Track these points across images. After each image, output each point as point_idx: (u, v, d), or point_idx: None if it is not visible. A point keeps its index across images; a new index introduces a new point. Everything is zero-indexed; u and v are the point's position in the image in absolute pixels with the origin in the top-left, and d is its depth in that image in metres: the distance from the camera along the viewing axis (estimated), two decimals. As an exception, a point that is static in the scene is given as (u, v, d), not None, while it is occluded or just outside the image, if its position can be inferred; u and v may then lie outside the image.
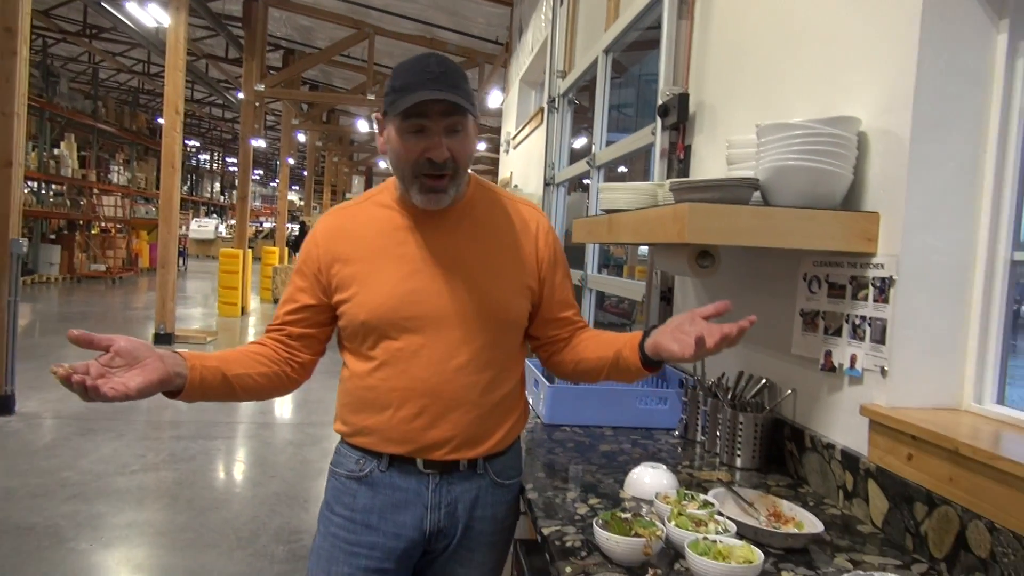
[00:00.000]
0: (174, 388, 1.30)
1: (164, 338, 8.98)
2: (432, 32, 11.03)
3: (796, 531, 1.31)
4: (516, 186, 6.82)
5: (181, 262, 21.25)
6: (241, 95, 12.76)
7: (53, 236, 17.43)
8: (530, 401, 2.34)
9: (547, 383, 2.15)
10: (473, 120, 1.40)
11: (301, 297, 1.50)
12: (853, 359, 1.54)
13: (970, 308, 1.45)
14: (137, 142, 21.94)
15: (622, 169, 5.51)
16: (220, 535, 3.69)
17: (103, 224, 19.58)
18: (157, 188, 9.48)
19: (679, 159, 2.59)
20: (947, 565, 1.24)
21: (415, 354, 1.43)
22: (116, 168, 20.44)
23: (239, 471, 4.82)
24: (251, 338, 10.18)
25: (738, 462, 1.80)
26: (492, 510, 1.53)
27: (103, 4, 10.33)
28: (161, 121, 9.26)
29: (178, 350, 1.32)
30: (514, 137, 7.41)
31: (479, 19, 9.99)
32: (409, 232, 1.47)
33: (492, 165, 8.59)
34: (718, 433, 1.88)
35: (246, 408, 6.33)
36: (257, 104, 12.94)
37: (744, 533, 1.29)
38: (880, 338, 1.47)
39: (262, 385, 1.45)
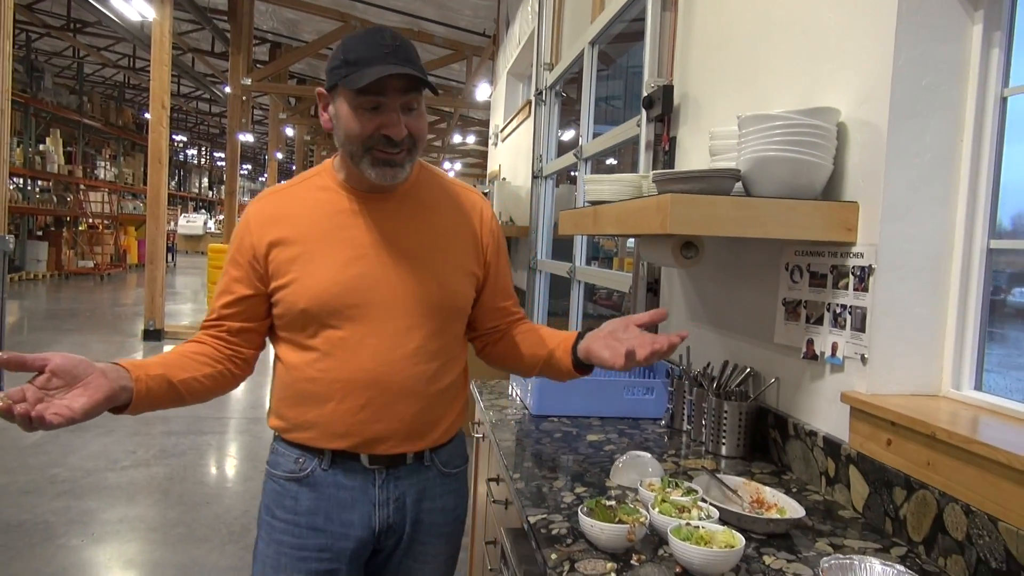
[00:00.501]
0: (120, 403, 1.19)
1: (154, 334, 8.96)
2: (418, 24, 11.00)
3: (778, 516, 1.33)
4: (504, 179, 6.83)
5: (170, 258, 21.15)
6: (228, 89, 12.70)
7: (40, 233, 17.32)
8: (518, 392, 2.35)
9: (534, 374, 2.17)
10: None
11: (237, 288, 1.41)
12: (834, 347, 1.57)
13: (948, 296, 1.47)
14: (124, 137, 21.80)
15: (611, 161, 5.53)
16: (212, 529, 3.70)
17: (90, 220, 19.46)
18: (144, 184, 9.43)
19: (664, 151, 2.60)
20: (925, 548, 1.26)
21: (360, 343, 1.37)
22: (103, 164, 20.30)
23: (230, 466, 4.82)
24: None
25: (723, 450, 1.82)
26: (441, 501, 1.50)
27: (87, -2, 10.23)
28: (148, 116, 9.20)
29: (118, 361, 1.21)
30: (502, 130, 7.41)
31: (466, 11, 9.97)
32: (353, 215, 1.40)
33: (481, 158, 8.59)
34: (703, 422, 1.90)
35: (236, 403, 6.33)
36: (244, 98, 12.88)
37: (727, 519, 1.31)
38: (860, 326, 1.49)
39: (208, 387, 1.38)
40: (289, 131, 19.75)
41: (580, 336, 1.40)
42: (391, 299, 1.38)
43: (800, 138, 1.52)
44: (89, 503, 3.94)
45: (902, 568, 1.10)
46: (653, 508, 1.28)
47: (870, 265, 1.47)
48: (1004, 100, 1.43)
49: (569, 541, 1.26)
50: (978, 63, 1.43)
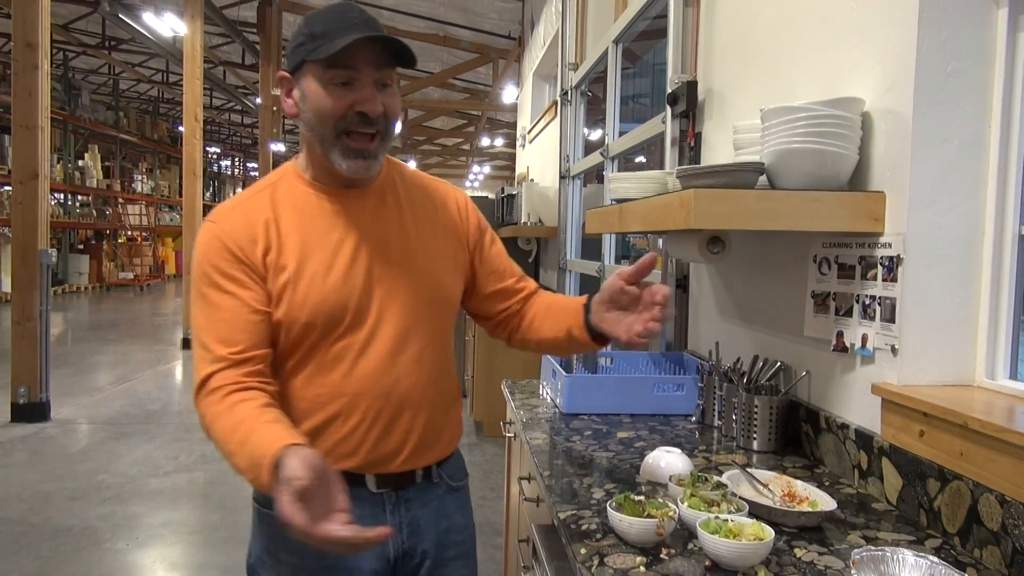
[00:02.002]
0: None
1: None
2: (445, 29, 11.07)
3: (809, 510, 1.33)
4: (533, 180, 6.84)
5: (206, 267, 21.48)
6: (259, 100, 12.89)
7: (81, 246, 17.75)
8: (548, 391, 2.37)
9: (564, 373, 2.18)
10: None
11: (252, 302, 1.22)
12: (864, 339, 1.55)
13: (979, 284, 1.45)
14: (159, 150, 22.23)
15: (640, 159, 5.51)
16: (252, 533, 3.76)
17: (129, 233, 19.90)
18: (180, 195, 9.63)
19: (690, 147, 2.59)
20: (960, 539, 1.25)
21: (362, 353, 1.27)
22: (140, 177, 20.72)
23: (269, 470, 4.89)
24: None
25: (755, 445, 1.81)
26: (455, 519, 1.45)
27: (120, 16, 10.49)
28: (181, 129, 9.40)
29: (290, 444, 1.03)
30: (529, 131, 7.43)
31: (491, 14, 10.01)
32: (335, 216, 1.29)
33: (509, 160, 8.62)
34: (734, 417, 1.89)
35: (274, 409, 6.42)
36: (275, 108, 13.06)
37: (758, 513, 1.31)
38: (890, 317, 1.47)
39: None
40: (319, 139, 19.96)
41: (588, 308, 1.36)
42: (388, 303, 1.29)
43: (824, 129, 1.51)
44: (134, 508, 4.04)
45: (936, 559, 1.09)
46: (682, 503, 1.29)
47: (898, 255, 1.45)
48: (1033, 84, 1.40)
49: (599, 536, 1.27)
50: (1004, 47, 1.41)
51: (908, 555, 1.11)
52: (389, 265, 1.30)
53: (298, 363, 1.28)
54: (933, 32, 1.41)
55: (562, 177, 5.13)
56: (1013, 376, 1.44)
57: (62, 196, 16.96)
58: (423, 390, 1.33)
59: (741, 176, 1.57)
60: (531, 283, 1.53)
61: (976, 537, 1.21)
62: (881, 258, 1.50)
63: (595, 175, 5.25)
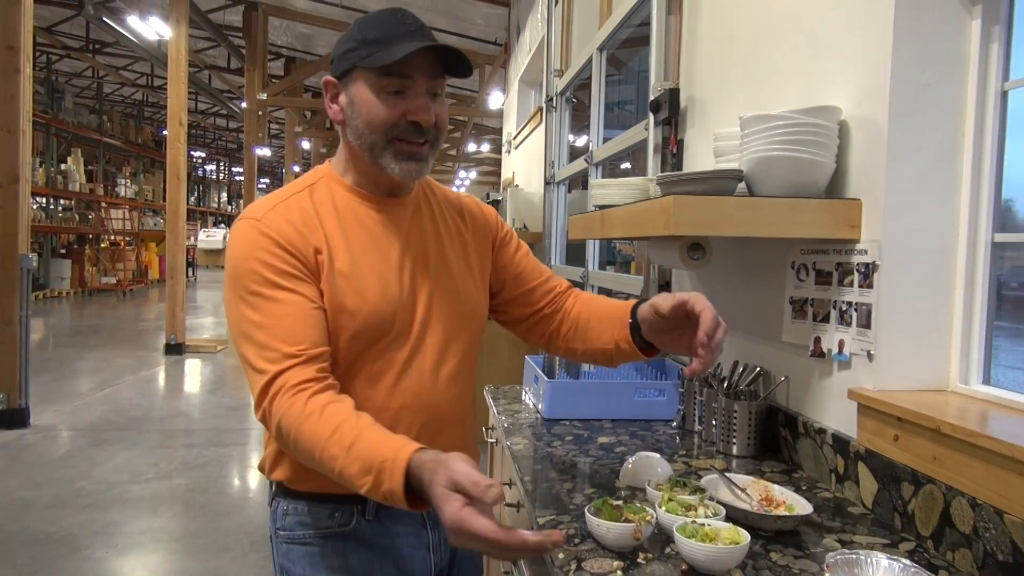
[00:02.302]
0: None
1: (175, 348, 9.07)
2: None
3: (786, 514, 1.34)
4: (518, 186, 6.86)
5: (190, 272, 21.39)
6: (244, 105, 12.85)
7: (63, 251, 17.59)
8: (531, 397, 2.37)
9: (546, 378, 2.18)
10: None
11: (315, 298, 1.17)
12: (841, 344, 1.57)
13: (953, 291, 1.47)
14: (143, 155, 22.10)
15: (626, 166, 5.54)
16: (234, 540, 3.74)
17: (112, 237, 19.73)
18: (164, 200, 9.57)
19: (672, 153, 2.61)
20: (933, 542, 1.26)
21: (407, 365, 1.23)
22: (123, 181, 20.60)
23: (252, 476, 4.86)
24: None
25: (734, 450, 1.82)
26: None
27: (105, 19, 10.43)
28: (166, 133, 9.35)
29: (419, 448, 0.98)
30: (515, 137, 7.45)
31: (477, 20, 10.03)
32: (377, 224, 1.26)
33: (495, 166, 8.64)
34: (714, 422, 1.90)
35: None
36: (260, 113, 13.03)
37: (735, 517, 1.31)
38: (866, 323, 1.49)
39: None
40: (305, 144, 19.93)
41: (634, 325, 1.31)
42: (429, 315, 1.26)
43: (801, 137, 1.53)
44: (113, 515, 4.00)
45: (908, 562, 1.11)
46: (660, 507, 1.29)
47: (874, 262, 1.47)
48: (1005, 94, 1.43)
49: (577, 541, 1.27)
50: (977, 58, 1.43)
51: (881, 559, 1.12)
52: (428, 277, 1.28)
53: (343, 374, 1.20)
54: (908, 43, 1.43)
55: (547, 183, 5.15)
56: (986, 381, 1.46)
57: (44, 200, 16.81)
58: (459, 405, 1.32)
59: (720, 183, 1.59)
60: (561, 282, 1.48)
61: (949, 540, 1.22)
62: (857, 265, 1.52)
63: (580, 181, 5.27)
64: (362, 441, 1.01)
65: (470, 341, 1.34)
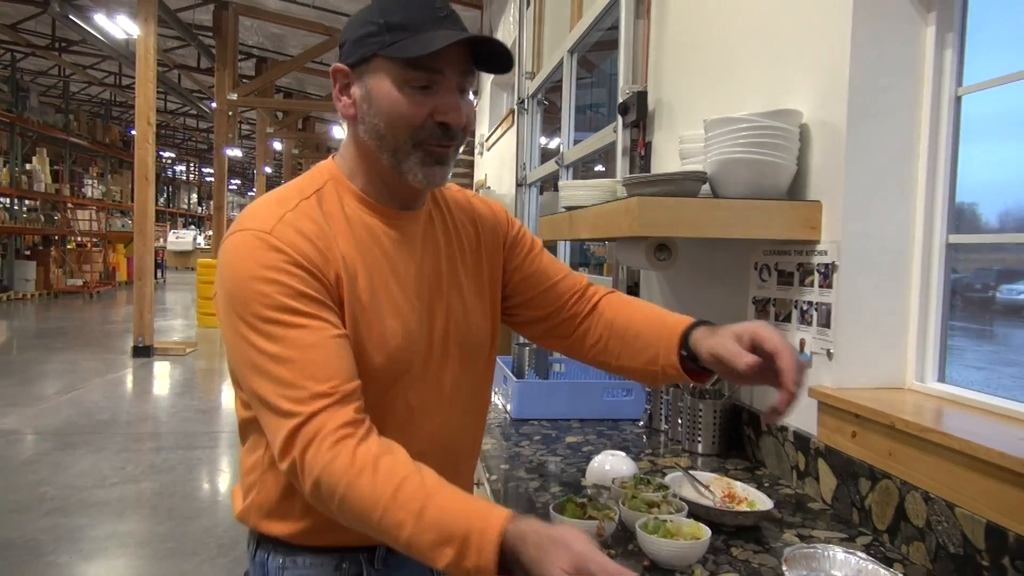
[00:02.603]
0: None
1: (143, 351, 8.94)
2: (404, 37, 11.05)
3: (747, 510, 1.36)
4: (489, 187, 6.86)
5: (159, 274, 21.11)
6: (214, 105, 12.72)
7: (28, 252, 17.25)
8: (499, 397, 2.38)
9: (515, 378, 2.19)
10: None
11: (340, 326, 0.99)
12: (802, 343, 1.60)
13: (910, 290, 1.51)
14: (111, 155, 21.76)
15: (599, 168, 5.57)
16: (201, 543, 3.70)
17: (79, 238, 19.40)
18: (132, 201, 9.43)
19: (640, 156, 2.64)
20: (889, 536, 1.29)
21: (424, 406, 1.09)
22: (90, 182, 20.27)
23: (221, 480, 4.81)
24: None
25: (699, 448, 1.85)
26: None
27: (71, 17, 10.26)
28: (134, 133, 9.22)
29: (511, 514, 0.86)
30: (487, 139, 7.46)
31: (450, 23, 10.01)
32: (391, 242, 1.08)
33: (468, 167, 8.64)
34: (680, 421, 1.93)
35: (226, 417, 6.32)
36: (231, 113, 12.90)
37: (697, 513, 1.33)
38: (826, 322, 1.52)
39: None
40: (277, 145, 19.77)
41: (686, 351, 1.13)
42: (444, 352, 1.12)
43: (763, 140, 1.55)
44: (78, 520, 3.93)
45: (863, 555, 1.13)
46: (623, 504, 1.31)
47: (833, 262, 1.50)
48: (958, 99, 1.47)
49: (542, 538, 1.28)
50: (932, 63, 1.47)
51: (838, 552, 1.15)
52: (442, 305, 1.13)
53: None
54: (865, 48, 1.46)
55: (519, 185, 5.17)
56: (941, 379, 1.49)
57: (8, 200, 16.49)
58: (473, 441, 1.23)
59: (684, 185, 1.61)
60: (580, 279, 1.30)
61: (903, 534, 1.25)
62: (818, 265, 1.55)
63: (552, 183, 5.29)
64: (434, 505, 0.86)
65: (483, 372, 1.21)
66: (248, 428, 1.11)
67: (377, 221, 1.08)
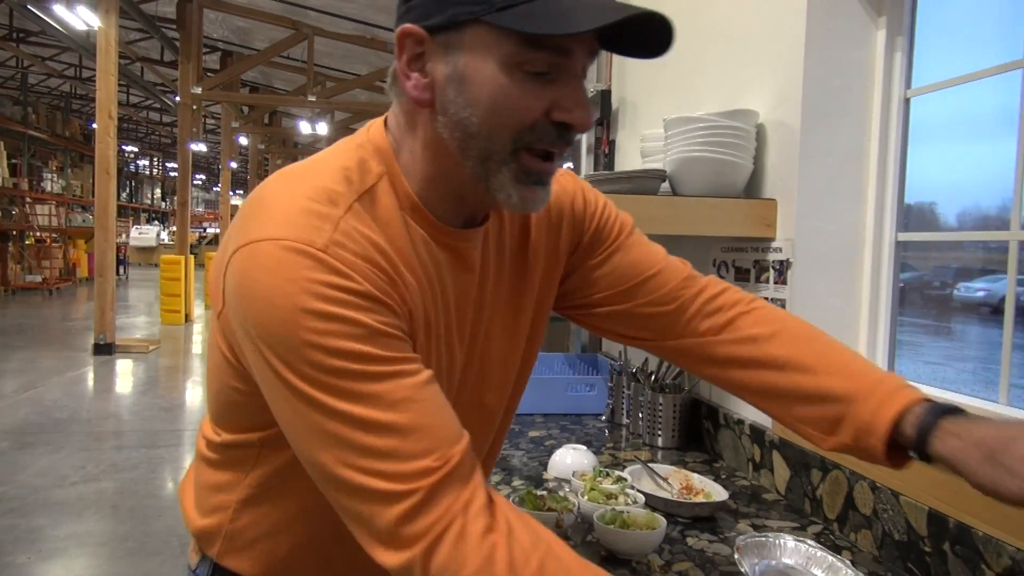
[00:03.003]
0: None
1: (105, 348, 8.79)
2: (372, 32, 11.00)
3: (703, 500, 1.39)
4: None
5: (121, 271, 20.74)
6: (178, 99, 12.53)
7: (-16, 247, 16.85)
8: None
9: (479, 374, 2.21)
10: None
11: (416, 357, 0.74)
12: (758, 338, 1.63)
13: (861, 287, 1.55)
14: (71, 148, 21.32)
15: (568, 165, 5.61)
16: (164, 543, 3.66)
17: (38, 234, 18.98)
18: (93, 195, 9.26)
19: (604, 154, 2.67)
20: (838, 524, 1.33)
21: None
22: (50, 176, 19.82)
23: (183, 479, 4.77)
24: (196, 346, 10.03)
25: (659, 441, 1.88)
26: None
27: (29, 7, 10.03)
28: (95, 126, 9.05)
29: None
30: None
31: (418, 18, 9.98)
32: (449, 270, 0.83)
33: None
34: (640, 415, 1.96)
35: (190, 415, 6.25)
36: (195, 107, 12.71)
37: (655, 505, 1.36)
38: (781, 317, 1.56)
39: None
40: (243, 140, 19.52)
41: (925, 430, 0.78)
42: (491, 405, 0.96)
43: (721, 139, 1.59)
44: (37, 520, 3.87)
45: (813, 543, 1.17)
46: (583, 496, 1.33)
47: (788, 259, 1.54)
48: (907, 101, 1.51)
49: (502, 531, 1.30)
50: (882, 66, 1.51)
51: (789, 540, 1.18)
52: (494, 358, 0.93)
53: None
54: (819, 50, 1.50)
55: (486, 182, 5.18)
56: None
57: (-37, 194, 16.09)
58: (494, 454, 1.08)
59: (644, 183, 1.63)
60: (683, 267, 1.03)
61: (852, 522, 1.29)
62: (773, 262, 1.59)
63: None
64: None
65: (513, 396, 1.02)
66: (227, 450, 0.90)
67: (430, 240, 0.81)
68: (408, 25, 0.74)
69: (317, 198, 0.73)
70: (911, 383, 0.85)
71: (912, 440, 0.79)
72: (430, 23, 0.73)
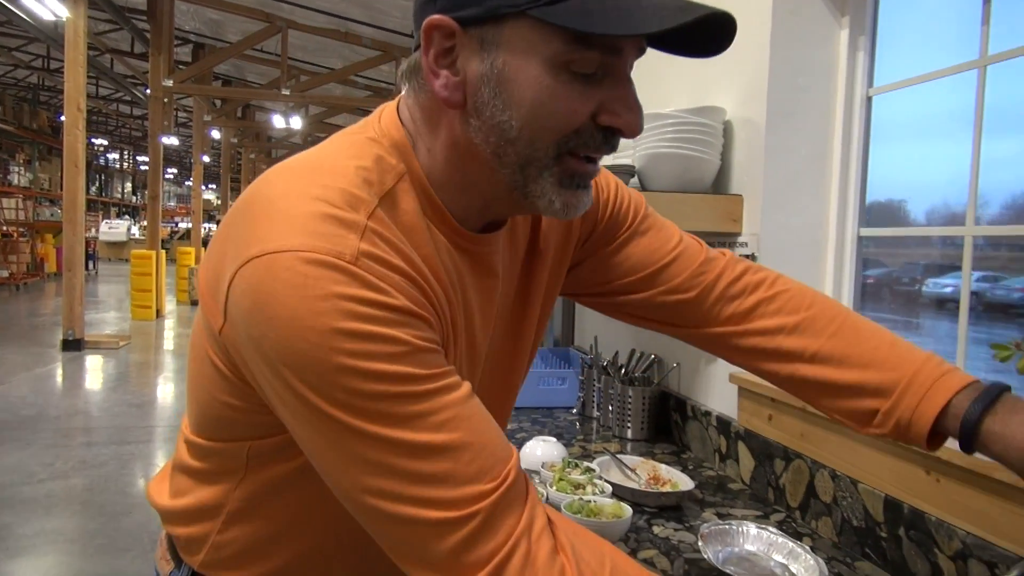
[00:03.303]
0: None
1: (73, 344, 8.66)
2: (346, 25, 10.93)
3: (669, 490, 1.42)
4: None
5: (91, 265, 20.43)
6: (149, 91, 12.35)
7: (-51, 242, 16.52)
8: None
9: (451, 368, 2.22)
10: None
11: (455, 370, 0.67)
12: (725, 331, 1.66)
13: (824, 280, 1.59)
14: (39, 141, 20.95)
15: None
16: (134, 539, 3.63)
17: (4, 228, 18.62)
18: (62, 189, 9.12)
19: (577, 149, 2.69)
20: (800, 512, 1.36)
21: None
22: (16, 169, 19.49)
23: (154, 475, 4.72)
24: (167, 342, 9.93)
25: (628, 433, 1.91)
26: None
27: (-5, -4, 9.83)
28: (63, 119, 8.90)
29: None
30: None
31: (394, 12, 9.95)
32: (471, 276, 0.78)
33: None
34: (611, 408, 1.98)
35: (161, 411, 6.19)
36: (166, 100, 12.55)
37: (622, 495, 1.39)
38: (746, 311, 1.59)
39: None
40: (215, 134, 19.30)
41: (969, 431, 0.76)
42: (492, 403, 0.81)
43: (689, 135, 1.61)
44: (4, 518, 3.81)
45: (775, 530, 1.20)
46: (551, 487, 1.35)
47: (753, 253, 1.57)
48: (869, 99, 1.55)
49: (471, 521, 1.31)
50: (845, 65, 1.55)
51: (751, 528, 1.21)
52: (502, 368, 0.89)
53: None
54: (784, 49, 1.53)
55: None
56: (853, 365, 1.57)
57: (-73, 187, 15.75)
58: None
59: (613, 178, 1.65)
60: (700, 248, 0.99)
61: (813, 510, 1.33)
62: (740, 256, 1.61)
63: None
64: None
65: (516, 385, 0.96)
66: (213, 458, 0.82)
67: (451, 245, 0.75)
68: (437, 16, 0.66)
69: (336, 202, 0.65)
70: (948, 363, 0.83)
71: (957, 434, 0.77)
72: (463, 14, 0.65)
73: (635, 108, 0.69)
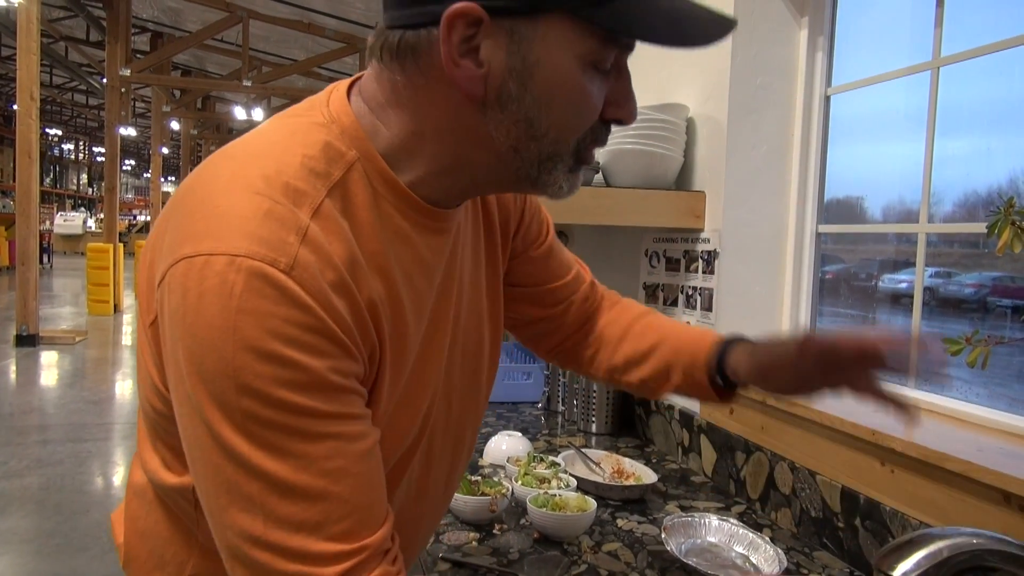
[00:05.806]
0: None
1: (28, 339, 8.45)
2: (309, 16, 10.79)
3: (632, 484, 1.44)
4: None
5: (46, 259, 19.92)
6: (105, 80, 12.08)
7: None
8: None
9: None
10: None
11: (366, 414, 0.66)
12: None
13: (784, 275, 1.62)
14: (-10, 131, 20.36)
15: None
16: (91, 538, 3.56)
17: (-47, 220, 18.09)
18: (14, 180, 8.88)
19: (542, 144, 2.70)
20: (760, 504, 1.39)
21: (426, 473, 0.84)
22: (-34, 159, 18.91)
23: (113, 472, 4.63)
24: (126, 337, 9.73)
25: (593, 428, 1.92)
26: None
27: (-58, -19, 9.50)
28: (15, 108, 8.66)
29: None
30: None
31: (357, 4, 9.85)
32: (429, 264, 0.74)
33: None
34: (575, 402, 2.00)
35: (120, 408, 6.07)
36: (124, 90, 12.28)
37: (587, 488, 1.40)
38: (708, 306, 1.61)
39: None
40: (175, 125, 18.95)
41: (723, 353, 0.90)
42: (468, 406, 0.88)
43: (653, 132, 1.63)
44: (-45, 518, 3.71)
45: (736, 522, 1.22)
46: (516, 481, 1.36)
47: (715, 249, 1.59)
48: (828, 98, 1.58)
49: (437, 516, 1.32)
50: (804, 64, 1.58)
51: (713, 519, 1.23)
52: (458, 344, 0.83)
53: None
54: (745, 48, 1.55)
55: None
56: (811, 358, 1.61)
57: None
58: (446, 505, 0.97)
59: (578, 174, 1.67)
60: (585, 275, 1.09)
61: (773, 501, 1.36)
62: (701, 252, 1.64)
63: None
64: None
65: (487, 383, 0.93)
66: (167, 493, 0.76)
67: (411, 229, 0.71)
68: (463, 3, 0.61)
69: (278, 198, 0.61)
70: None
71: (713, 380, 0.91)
72: (496, 3, 0.61)
73: (633, 96, 0.70)
